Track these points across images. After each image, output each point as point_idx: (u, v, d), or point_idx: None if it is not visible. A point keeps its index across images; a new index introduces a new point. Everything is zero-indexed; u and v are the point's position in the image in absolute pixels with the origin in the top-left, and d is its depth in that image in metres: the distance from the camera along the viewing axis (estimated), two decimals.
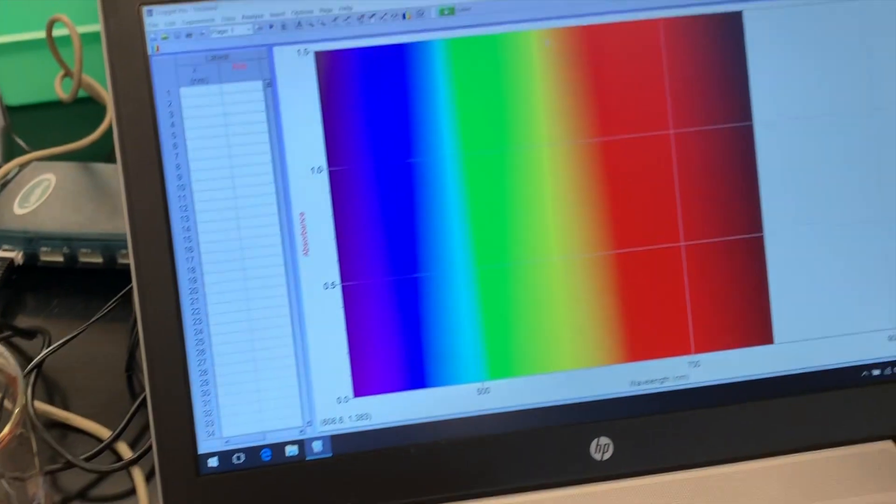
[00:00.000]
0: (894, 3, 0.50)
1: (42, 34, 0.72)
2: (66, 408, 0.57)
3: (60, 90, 0.75)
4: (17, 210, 0.67)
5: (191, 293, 0.47)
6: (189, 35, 0.47)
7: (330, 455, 0.48)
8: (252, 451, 0.48)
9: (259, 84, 0.47)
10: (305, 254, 0.48)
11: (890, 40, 0.50)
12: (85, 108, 0.78)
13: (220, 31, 0.47)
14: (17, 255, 0.66)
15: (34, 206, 0.67)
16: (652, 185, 0.49)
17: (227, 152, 0.47)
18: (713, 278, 0.49)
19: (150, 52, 0.47)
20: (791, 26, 0.49)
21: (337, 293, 0.48)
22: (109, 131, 0.78)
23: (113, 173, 0.71)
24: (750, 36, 0.49)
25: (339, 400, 0.48)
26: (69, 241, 0.65)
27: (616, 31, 0.48)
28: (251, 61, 0.47)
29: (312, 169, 0.48)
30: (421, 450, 0.48)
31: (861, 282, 0.50)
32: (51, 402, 0.58)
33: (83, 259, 0.66)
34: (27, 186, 0.69)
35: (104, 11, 0.46)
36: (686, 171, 0.49)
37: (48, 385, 0.59)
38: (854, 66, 0.50)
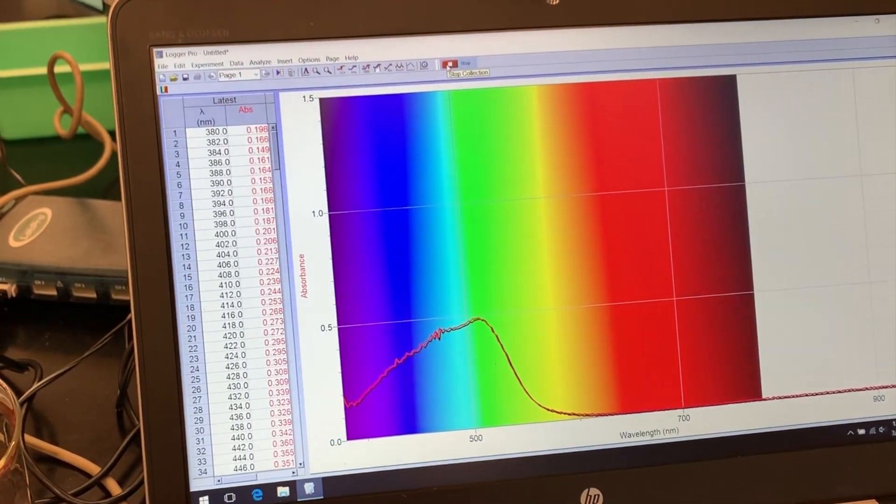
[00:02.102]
0: (884, 69, 0.52)
1: (43, 70, 0.73)
2: (54, 442, 0.57)
3: (59, 126, 0.76)
4: (12, 243, 0.67)
5: (189, 330, 0.47)
6: (198, 77, 0.48)
7: (321, 497, 0.48)
8: (243, 491, 0.48)
9: (264, 127, 0.48)
10: (304, 295, 0.48)
11: (879, 106, 0.52)
12: (82, 145, 0.79)
13: (228, 75, 0.48)
14: (10, 288, 0.66)
15: (29, 240, 0.68)
16: (646, 241, 0.50)
17: (231, 193, 0.48)
18: (704, 334, 0.50)
19: (158, 92, 0.47)
20: (783, 90, 0.51)
21: (333, 336, 0.48)
22: (106, 168, 0.79)
23: (109, 210, 0.71)
24: (743, 99, 0.50)
25: (332, 442, 0.48)
26: (63, 276, 0.66)
27: (614, 89, 0.50)
28: (257, 105, 0.48)
29: (313, 212, 0.48)
30: (412, 495, 0.48)
31: (848, 342, 0.51)
32: (39, 436, 0.58)
33: (77, 293, 0.66)
34: (23, 220, 0.70)
35: (114, 50, 0.47)
36: (679, 227, 0.50)
37: (37, 419, 0.59)
38: (844, 131, 0.51)
